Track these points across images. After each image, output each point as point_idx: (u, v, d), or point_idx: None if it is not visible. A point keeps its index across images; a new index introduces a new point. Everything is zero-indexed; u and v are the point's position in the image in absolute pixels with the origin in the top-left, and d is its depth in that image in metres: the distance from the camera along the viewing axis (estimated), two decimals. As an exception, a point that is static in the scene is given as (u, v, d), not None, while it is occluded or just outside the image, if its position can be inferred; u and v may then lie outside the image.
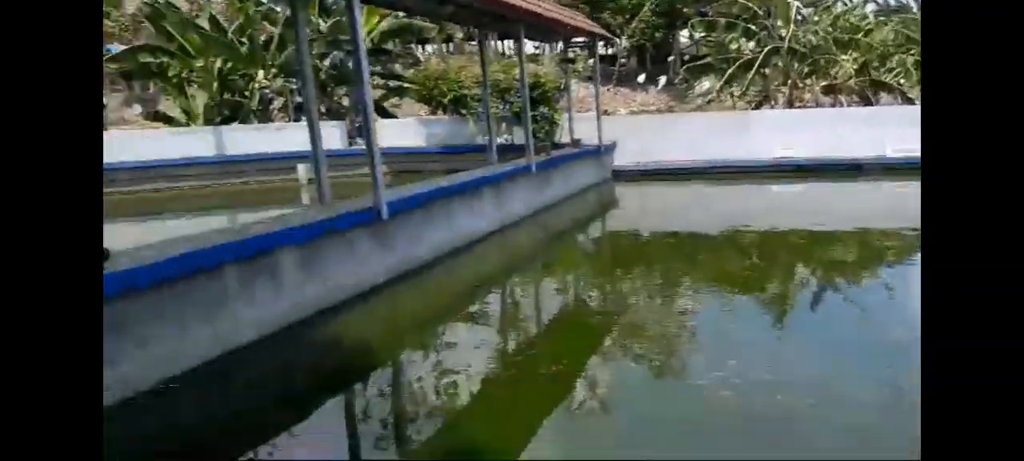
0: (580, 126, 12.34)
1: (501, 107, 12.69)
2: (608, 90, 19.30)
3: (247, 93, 15.55)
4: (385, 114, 16.42)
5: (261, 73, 15.44)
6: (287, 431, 3.65)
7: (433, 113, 15.59)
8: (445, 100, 14.39)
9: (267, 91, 15.84)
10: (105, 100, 16.79)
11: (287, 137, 13.82)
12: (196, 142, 13.91)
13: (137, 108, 17.42)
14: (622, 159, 12.85)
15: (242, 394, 4.22)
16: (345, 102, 16.22)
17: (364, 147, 14.57)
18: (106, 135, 14.35)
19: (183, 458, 3.39)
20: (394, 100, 17.46)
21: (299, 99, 16.10)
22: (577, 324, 5.37)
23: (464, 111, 14.10)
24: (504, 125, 13.15)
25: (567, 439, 3.48)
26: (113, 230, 3.96)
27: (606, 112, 13.30)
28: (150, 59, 15.31)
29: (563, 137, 12.59)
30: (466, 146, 13.69)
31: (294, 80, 15.57)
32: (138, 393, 3.79)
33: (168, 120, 15.63)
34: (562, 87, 13.16)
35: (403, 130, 14.67)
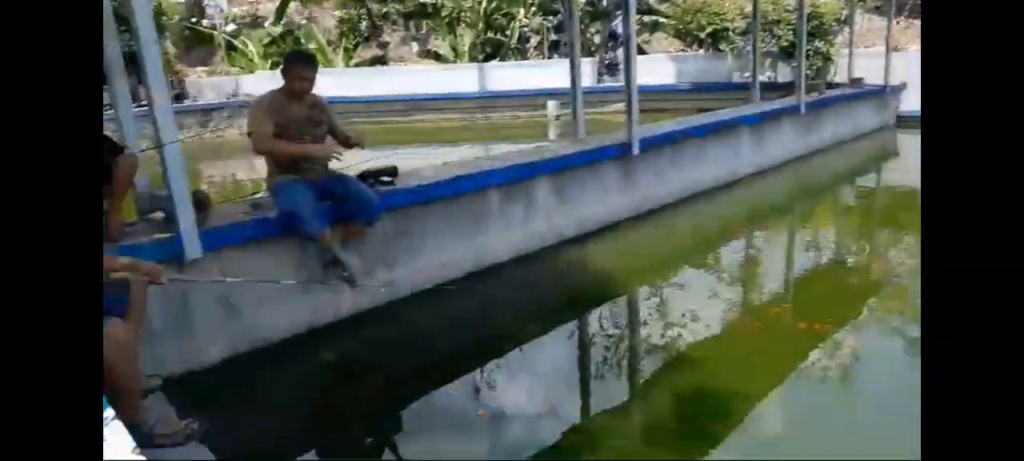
0: (861, 62, 10.75)
1: (768, 41, 11.54)
2: (899, 23, 16.42)
3: (508, 32, 16.36)
4: (637, 50, 16.04)
5: (521, 12, 16.11)
6: (533, 340, 3.91)
7: (687, 48, 14.84)
8: (702, 34, 13.54)
9: (526, 29, 16.48)
10: (387, 38, 19.00)
11: (541, 74, 14.31)
12: (461, 78, 15.11)
13: (414, 47, 19.39)
14: (909, 103, 10.94)
15: (496, 305, 4.57)
16: (596, 39, 16.19)
17: (612, 84, 14.51)
18: (387, 70, 16.37)
19: (448, 347, 3.80)
20: (644, 36, 16.96)
21: (554, 37, 16.51)
22: (830, 285, 4.79)
23: (723, 46, 13.14)
24: (768, 61, 11.99)
25: (796, 402, 3.15)
26: (393, 155, 4.55)
27: (895, 49, 11.33)
28: (426, 0, 16.87)
29: (838, 75, 11.08)
30: (722, 84, 12.83)
31: (551, 18, 15.95)
32: (412, 293, 4.31)
33: (438, 57, 17.15)
34: (842, 18, 11.51)
35: (653, 66, 14.18)
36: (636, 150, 5.65)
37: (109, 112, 4.00)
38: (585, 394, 3.43)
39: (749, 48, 10.70)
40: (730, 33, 12.84)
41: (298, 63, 3.62)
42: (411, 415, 3.23)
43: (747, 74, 11.07)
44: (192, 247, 3.27)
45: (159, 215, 3.58)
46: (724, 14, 12.92)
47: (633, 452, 2.89)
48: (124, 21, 4.55)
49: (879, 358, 3.62)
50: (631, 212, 5.96)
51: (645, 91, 5.73)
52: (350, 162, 3.92)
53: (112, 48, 3.52)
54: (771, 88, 10.16)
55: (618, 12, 14.54)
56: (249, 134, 3.58)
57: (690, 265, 5.31)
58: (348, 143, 3.83)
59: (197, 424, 2.49)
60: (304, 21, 17.77)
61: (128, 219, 3.53)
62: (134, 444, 1.68)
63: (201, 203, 3.39)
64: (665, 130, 6.46)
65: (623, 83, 5.99)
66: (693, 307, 4.25)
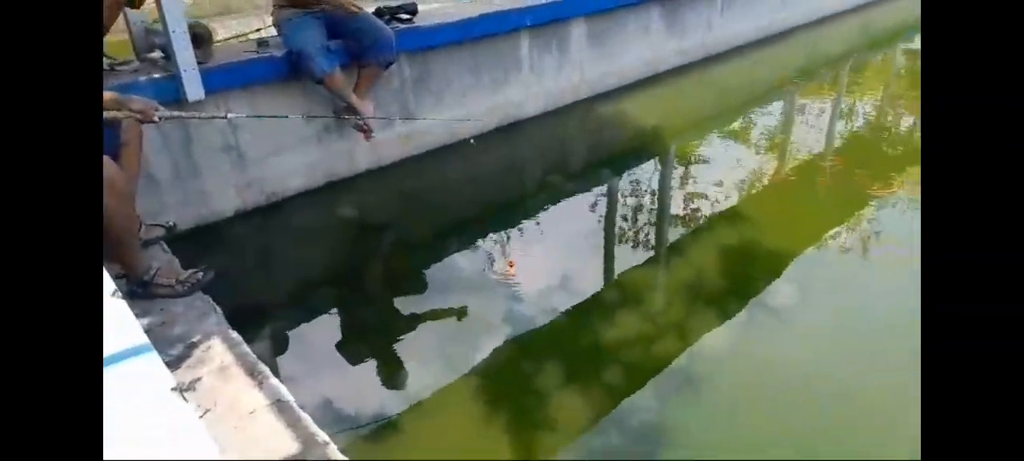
0: None
1: None
2: None
3: None
4: None
5: None
6: (559, 200, 3.63)
7: None
8: None
9: None
10: None
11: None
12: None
13: None
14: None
15: (522, 162, 4.25)
16: None
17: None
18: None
19: (469, 205, 3.54)
20: None
21: None
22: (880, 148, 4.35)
23: None
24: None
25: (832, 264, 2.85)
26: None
27: None
28: None
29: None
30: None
31: None
32: (432, 148, 4.00)
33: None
34: None
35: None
36: (685, -11, 5.03)
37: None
38: (609, 257, 3.17)
39: None
40: None
41: None
42: (427, 274, 3.02)
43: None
44: (193, 87, 2.96)
45: (157, 54, 3.24)
46: None
47: (657, 312, 2.67)
48: None
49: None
50: (676, 62, 5.43)
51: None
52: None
53: None
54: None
55: None
56: None
57: (736, 118, 4.85)
58: None
59: (202, 273, 2.28)
60: None
61: (123, 57, 3.21)
62: (114, 289, 1.45)
63: (199, 38, 3.03)
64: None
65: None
66: (733, 167, 3.89)
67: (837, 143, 4.39)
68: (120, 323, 1.30)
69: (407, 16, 3.80)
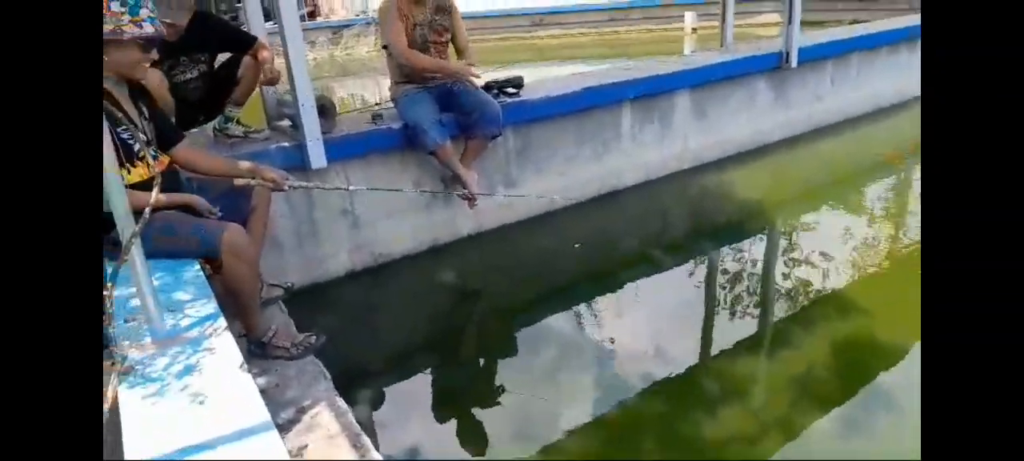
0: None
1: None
2: None
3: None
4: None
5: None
6: (658, 271, 3.55)
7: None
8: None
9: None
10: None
11: (677, -17, 13.16)
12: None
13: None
14: None
15: (622, 231, 4.22)
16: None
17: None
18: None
19: (568, 273, 3.54)
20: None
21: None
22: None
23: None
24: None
25: None
26: (521, 70, 4.19)
27: None
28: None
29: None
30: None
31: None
32: (527, 218, 4.07)
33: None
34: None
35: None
36: (794, 61, 4.92)
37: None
38: (709, 330, 3.06)
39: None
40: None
41: None
42: (524, 339, 3.03)
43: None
44: (316, 156, 3.19)
45: (285, 123, 3.54)
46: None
47: (752, 399, 2.52)
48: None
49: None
50: (783, 134, 5.28)
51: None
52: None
53: None
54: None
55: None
56: (385, 47, 3.47)
57: (844, 195, 4.61)
58: (465, 64, 3.55)
59: (315, 337, 2.41)
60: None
61: (255, 126, 3.52)
62: (241, 357, 1.57)
63: (324, 109, 3.27)
64: (828, 39, 5.58)
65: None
66: (841, 242, 3.68)
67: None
68: (247, 399, 1.39)
69: (513, 90, 3.94)
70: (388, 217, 3.59)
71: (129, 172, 2.07)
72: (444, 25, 3.50)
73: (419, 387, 2.78)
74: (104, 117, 1.48)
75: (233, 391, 1.41)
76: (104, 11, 1.97)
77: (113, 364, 1.53)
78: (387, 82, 3.68)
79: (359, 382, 2.67)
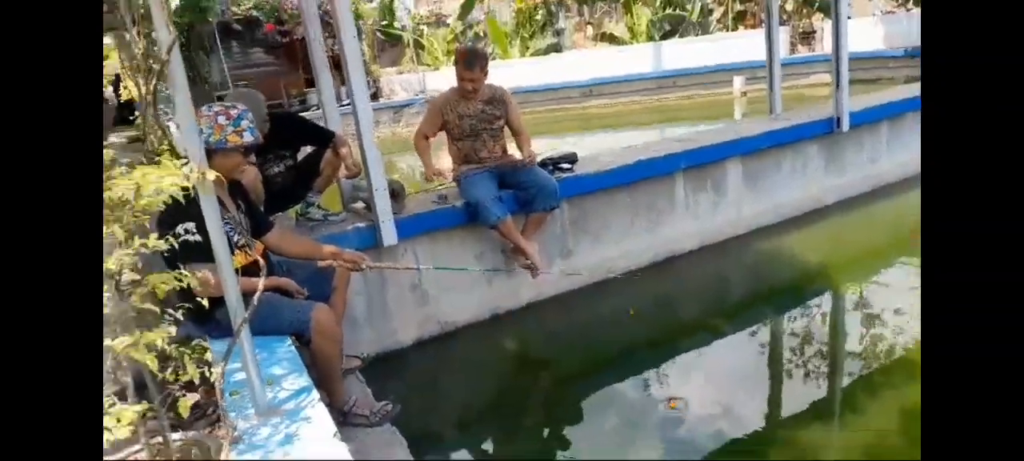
0: None
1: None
2: None
3: (688, 7, 15.54)
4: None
5: (703, -17, 15.22)
6: (716, 338, 3.60)
7: (898, 7, 12.98)
8: (920, -10, 11.76)
9: (708, 1, 15.54)
10: (561, 25, 18.98)
11: (723, 48, 13.38)
12: (636, 58, 14.63)
13: (589, 30, 19.21)
14: None
15: (678, 298, 4.28)
16: (788, 5, 14.78)
17: (808, 53, 13.13)
18: (562, 57, 16.33)
19: (626, 340, 3.62)
20: (848, -2, 15.15)
21: (740, 7, 15.38)
22: None
23: (947, 1, 11.29)
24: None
25: None
26: (569, 141, 4.37)
27: None
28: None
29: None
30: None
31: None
32: (586, 286, 4.18)
33: (613, 39, 16.80)
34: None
35: (855, 30, 12.55)
36: (846, 126, 4.98)
37: (317, 111, 4.35)
38: (772, 398, 3.07)
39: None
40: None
41: (461, 63, 3.63)
42: (586, 406, 3.11)
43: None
44: (388, 235, 3.44)
45: (359, 205, 3.83)
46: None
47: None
48: (327, 25, 4.95)
49: None
50: (837, 197, 5.28)
51: (850, 58, 5.00)
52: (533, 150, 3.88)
53: (317, 51, 3.79)
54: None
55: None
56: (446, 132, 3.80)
57: (901, 259, 4.54)
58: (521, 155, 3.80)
59: (391, 406, 2.58)
60: (483, 15, 18.37)
61: (333, 210, 3.83)
62: (335, 428, 1.74)
63: (396, 193, 3.54)
64: (881, 102, 5.61)
65: (821, 52, 5.30)
66: (903, 306, 3.63)
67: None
68: (345, 465, 1.55)
69: (568, 165, 4.15)
70: (454, 290, 3.79)
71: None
72: (495, 114, 3.76)
73: (485, 453, 2.89)
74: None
75: (330, 456, 1.58)
76: (214, 124, 2.29)
77: (224, 433, 1.73)
78: (445, 156, 3.95)
79: (429, 447, 2.80)
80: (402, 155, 12.03)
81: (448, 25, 18.51)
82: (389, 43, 18.90)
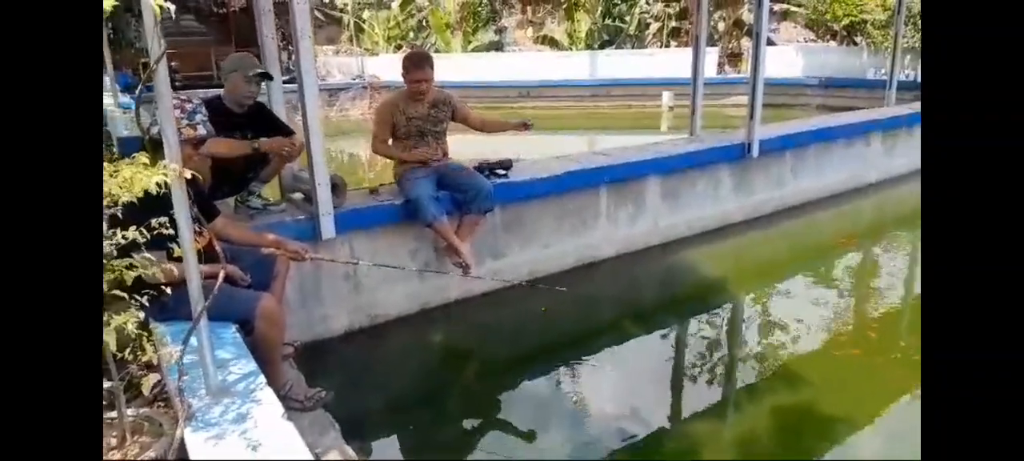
0: None
1: (910, 37, 10.69)
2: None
3: (627, 19, 16.11)
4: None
5: (642, -2, 15.83)
6: (628, 339, 3.97)
7: (818, 39, 13.99)
8: (838, 25, 12.75)
9: (646, 16, 16.15)
10: (505, 22, 19.22)
11: (657, 63, 14.00)
12: (574, 64, 15.09)
13: (530, 31, 19.55)
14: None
15: (597, 301, 4.63)
16: (720, 26, 15.60)
17: (734, 75, 13.89)
18: (501, 55, 16.59)
19: (546, 338, 3.92)
20: (772, 24, 16.15)
21: (674, 24, 16.08)
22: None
23: (858, 39, 12.31)
24: (908, 58, 11.09)
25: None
26: (506, 140, 4.54)
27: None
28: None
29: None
30: (855, 80, 12.01)
31: (674, 5, 15.51)
32: (515, 284, 4.47)
33: (553, 43, 17.22)
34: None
35: (779, 58, 13.50)
36: (756, 152, 5.48)
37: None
38: (675, 398, 3.45)
39: (889, 43, 9.97)
40: (869, 26, 11.99)
41: (411, 67, 3.83)
42: (505, 400, 3.39)
43: (884, 71, 10.30)
44: (327, 228, 3.58)
45: (298, 196, 3.95)
46: (863, 5, 12.07)
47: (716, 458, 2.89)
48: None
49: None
50: (744, 216, 5.80)
51: (769, 84, 5.50)
52: (469, 151, 4.12)
53: (267, 23, 3.88)
54: (909, 88, 9.39)
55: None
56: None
57: (797, 275, 5.09)
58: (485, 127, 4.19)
59: (325, 392, 2.77)
60: (428, 2, 18.36)
61: (273, 199, 3.93)
62: (283, 409, 1.93)
63: (336, 186, 3.68)
64: (787, 132, 6.19)
65: (746, 73, 5.79)
66: (795, 320, 4.12)
67: (903, 305, 4.53)
68: (291, 443, 1.75)
69: (503, 171, 4.41)
70: (385, 282, 3.97)
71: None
72: (441, 115, 3.98)
73: (411, 439, 3.12)
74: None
75: (279, 436, 1.77)
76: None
77: (179, 411, 1.88)
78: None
79: (355, 432, 3.00)
80: (334, 140, 11.96)
81: (390, 8, 18.38)
82: (328, 22, 18.58)
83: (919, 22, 10.66)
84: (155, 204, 1.80)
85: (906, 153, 7.35)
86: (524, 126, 4.06)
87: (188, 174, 1.67)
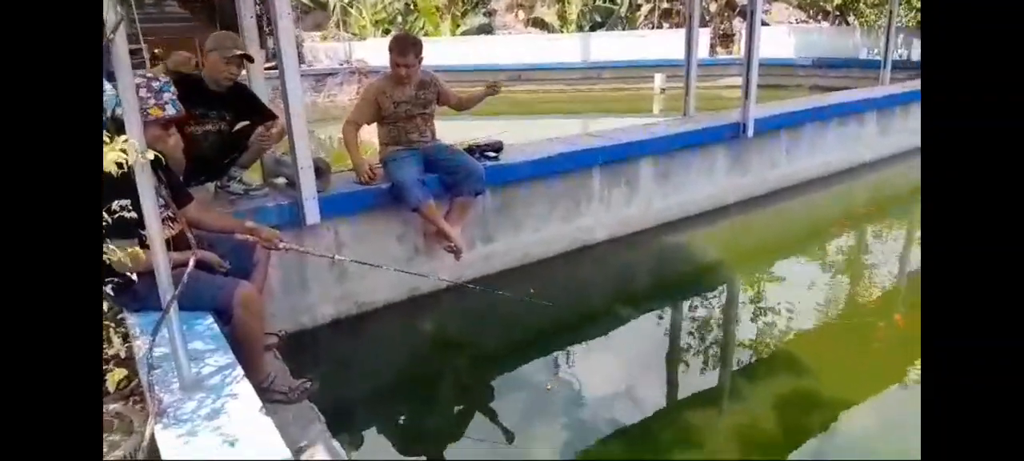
0: None
1: (904, 16, 10.60)
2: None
3: (618, 1, 15.93)
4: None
5: (632, -22, 15.65)
6: (622, 323, 3.89)
7: (810, 19, 13.88)
8: (830, 5, 12.63)
9: (636, -3, 15.99)
10: (494, 5, 18.97)
11: (648, 44, 13.85)
12: (565, 47, 14.91)
13: (520, 14, 19.31)
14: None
15: (589, 286, 4.54)
16: (712, 7, 15.45)
17: (726, 56, 13.77)
18: (491, 39, 16.38)
19: (538, 323, 3.83)
20: (764, 5, 16.03)
21: (666, 5, 15.92)
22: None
23: (851, 19, 12.21)
24: (901, 38, 11.00)
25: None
26: (497, 124, 4.49)
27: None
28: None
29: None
30: (848, 60, 11.91)
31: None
32: (507, 269, 4.37)
33: (544, 25, 17.02)
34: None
35: (771, 38, 13.35)
36: (751, 132, 5.38)
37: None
38: (670, 382, 3.37)
39: (882, 22, 9.88)
40: (861, 5, 11.89)
41: (396, 50, 3.70)
42: (497, 386, 3.30)
43: (877, 51, 10.22)
44: (311, 213, 3.46)
45: (281, 180, 3.81)
46: (856, -16, 11.97)
47: (713, 444, 2.81)
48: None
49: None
50: (739, 197, 5.71)
51: (761, 64, 5.39)
52: (458, 137, 3.99)
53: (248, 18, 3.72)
54: (903, 67, 9.31)
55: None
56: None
57: (792, 256, 5.02)
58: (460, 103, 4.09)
59: (309, 384, 2.66)
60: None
61: (255, 182, 3.79)
62: (260, 402, 1.82)
63: (320, 171, 3.56)
64: (783, 111, 6.09)
65: (738, 54, 5.68)
66: (791, 301, 4.04)
67: (899, 283, 4.47)
68: (270, 439, 1.64)
69: (494, 153, 4.29)
70: (373, 269, 3.85)
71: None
72: (428, 97, 3.85)
73: (400, 430, 3.02)
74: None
75: (256, 432, 1.66)
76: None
77: (149, 407, 1.77)
78: (368, 130, 4.00)
79: (341, 421, 2.90)
80: (323, 126, 11.77)
81: (377, -8, 18.11)
82: (315, 7, 18.29)
83: (912, 1, 10.58)
84: (122, 186, 1.68)
85: (901, 132, 7.27)
86: (493, 89, 4.04)
87: (151, 155, 1.54)
